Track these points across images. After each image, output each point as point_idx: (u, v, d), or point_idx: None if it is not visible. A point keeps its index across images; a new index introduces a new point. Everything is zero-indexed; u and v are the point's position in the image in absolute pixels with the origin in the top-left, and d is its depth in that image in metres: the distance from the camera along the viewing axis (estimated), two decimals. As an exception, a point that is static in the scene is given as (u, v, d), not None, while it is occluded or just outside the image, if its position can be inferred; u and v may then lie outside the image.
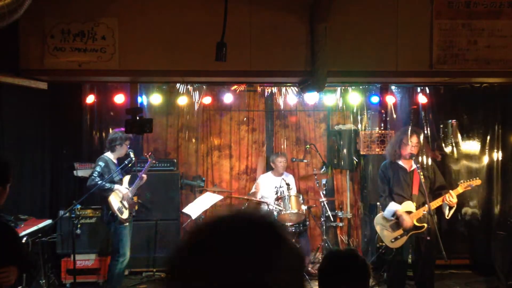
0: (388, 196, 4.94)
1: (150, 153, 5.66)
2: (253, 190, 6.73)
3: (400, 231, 4.83)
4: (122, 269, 5.17)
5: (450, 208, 4.75)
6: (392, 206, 4.85)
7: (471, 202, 6.28)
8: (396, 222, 4.85)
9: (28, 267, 4.01)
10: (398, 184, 4.92)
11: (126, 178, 5.41)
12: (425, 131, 6.34)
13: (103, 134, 6.51)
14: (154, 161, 5.71)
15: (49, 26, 4.30)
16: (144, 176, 5.40)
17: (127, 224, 5.18)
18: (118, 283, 5.21)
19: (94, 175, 5.06)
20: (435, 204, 4.74)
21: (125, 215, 5.16)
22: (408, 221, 4.73)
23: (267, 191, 6.52)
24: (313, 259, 6.31)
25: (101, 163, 5.15)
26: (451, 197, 4.67)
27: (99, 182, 4.99)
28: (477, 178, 4.82)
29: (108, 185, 5.07)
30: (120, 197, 5.18)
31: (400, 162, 4.97)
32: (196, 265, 0.88)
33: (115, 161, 5.34)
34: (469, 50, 4.42)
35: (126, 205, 5.21)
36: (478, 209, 6.29)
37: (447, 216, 4.82)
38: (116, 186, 5.18)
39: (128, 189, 5.31)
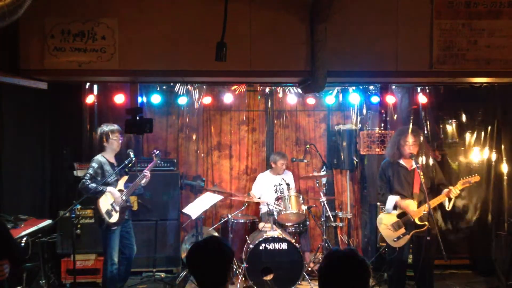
0: (385, 193, 4.96)
1: (157, 152, 5.39)
2: (252, 191, 6.74)
3: (402, 230, 4.84)
4: (114, 273, 5.00)
5: (449, 199, 4.81)
6: (392, 199, 4.89)
7: (471, 201, 6.28)
8: (398, 221, 4.87)
9: (20, 260, 4.00)
10: (399, 182, 4.93)
11: (123, 179, 5.16)
12: (425, 131, 6.34)
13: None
14: (159, 161, 5.52)
15: (49, 26, 4.31)
16: (148, 173, 5.17)
17: (116, 228, 4.96)
18: (111, 286, 5.06)
19: (85, 177, 4.85)
20: (436, 202, 4.77)
21: (114, 218, 4.92)
22: (411, 205, 4.77)
23: (266, 190, 6.52)
24: (313, 259, 6.31)
25: (94, 165, 4.94)
26: (452, 193, 4.72)
27: (90, 185, 4.80)
28: (476, 174, 4.84)
29: (100, 187, 4.86)
30: (111, 199, 4.95)
31: (401, 161, 4.98)
32: None
33: (113, 161, 5.11)
34: (469, 50, 4.42)
35: (117, 208, 4.96)
36: (478, 208, 6.29)
37: (448, 208, 4.86)
38: (108, 189, 4.92)
39: (123, 190, 5.08)
